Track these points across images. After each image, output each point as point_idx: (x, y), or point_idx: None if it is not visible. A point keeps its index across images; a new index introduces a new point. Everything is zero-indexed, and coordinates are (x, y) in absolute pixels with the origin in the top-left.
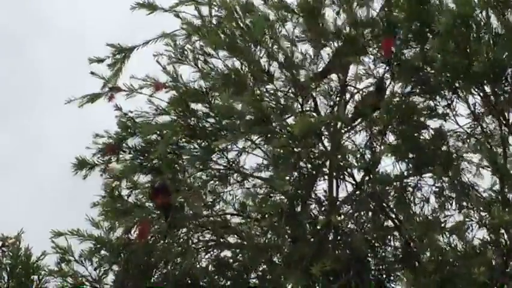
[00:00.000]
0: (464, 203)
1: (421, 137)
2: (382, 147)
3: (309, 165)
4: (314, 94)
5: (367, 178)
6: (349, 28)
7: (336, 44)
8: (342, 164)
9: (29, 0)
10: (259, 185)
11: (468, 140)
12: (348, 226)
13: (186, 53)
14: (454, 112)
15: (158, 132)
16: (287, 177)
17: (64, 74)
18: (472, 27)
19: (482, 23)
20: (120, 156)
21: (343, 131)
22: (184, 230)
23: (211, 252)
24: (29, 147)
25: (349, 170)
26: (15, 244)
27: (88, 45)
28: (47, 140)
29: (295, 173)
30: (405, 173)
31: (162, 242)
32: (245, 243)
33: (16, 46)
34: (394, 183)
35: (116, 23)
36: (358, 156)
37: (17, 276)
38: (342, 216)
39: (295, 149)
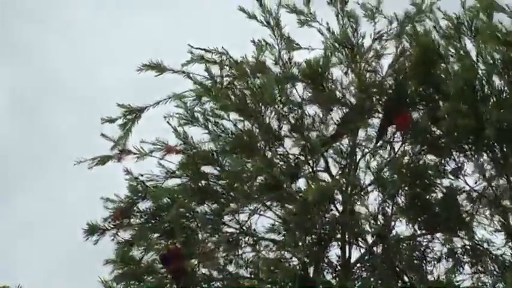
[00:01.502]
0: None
1: (432, 197)
2: (394, 210)
3: (322, 230)
4: (325, 155)
5: (379, 241)
6: (357, 91)
7: (343, 109)
8: (355, 230)
9: (44, 62)
10: (271, 247)
11: (479, 201)
12: None
13: (196, 114)
14: (464, 172)
15: (169, 196)
16: (300, 243)
17: (79, 136)
18: (477, 91)
19: (487, 87)
20: (131, 220)
21: (354, 193)
22: None
23: None
24: (48, 211)
25: (361, 234)
26: None
27: (103, 108)
28: (65, 203)
29: (308, 238)
30: (417, 233)
31: None
32: None
33: (29, 112)
34: (406, 243)
35: (131, 84)
36: (371, 221)
37: None
38: (356, 281)
39: (307, 215)
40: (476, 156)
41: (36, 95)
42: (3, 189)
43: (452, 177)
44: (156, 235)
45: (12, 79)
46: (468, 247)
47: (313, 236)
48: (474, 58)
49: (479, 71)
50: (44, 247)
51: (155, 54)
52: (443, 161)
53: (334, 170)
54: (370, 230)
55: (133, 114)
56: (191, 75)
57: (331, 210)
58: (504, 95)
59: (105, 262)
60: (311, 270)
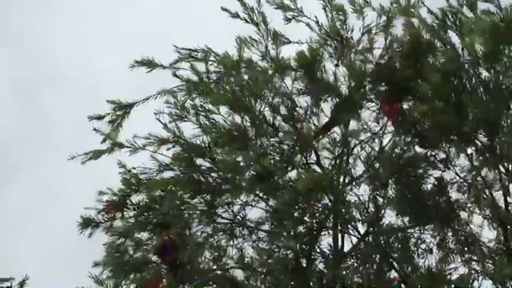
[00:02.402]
0: (468, 255)
1: (422, 189)
2: (385, 201)
3: (313, 220)
4: (316, 147)
5: (371, 230)
6: (347, 81)
7: (335, 100)
8: (346, 218)
9: (43, 53)
10: (263, 237)
11: (469, 190)
12: (353, 279)
13: (187, 109)
14: (453, 163)
15: (162, 188)
16: (291, 232)
17: (75, 126)
18: (462, 82)
19: (472, 78)
20: (125, 213)
21: (345, 183)
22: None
23: None
24: (42, 200)
25: (353, 223)
26: None
27: (102, 96)
28: (59, 193)
29: (300, 228)
30: (408, 225)
31: None
32: None
33: (30, 99)
34: (398, 235)
35: (129, 74)
36: (362, 209)
37: None
38: (348, 270)
39: (298, 205)
40: (463, 147)
41: (36, 85)
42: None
43: (442, 168)
44: (149, 227)
45: (12, 69)
46: (459, 236)
47: (305, 225)
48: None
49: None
50: (41, 236)
51: (149, 46)
52: (432, 153)
53: (326, 163)
54: (361, 218)
55: (122, 110)
56: (180, 72)
57: (323, 199)
58: (490, 85)
59: (94, 264)
60: (303, 259)
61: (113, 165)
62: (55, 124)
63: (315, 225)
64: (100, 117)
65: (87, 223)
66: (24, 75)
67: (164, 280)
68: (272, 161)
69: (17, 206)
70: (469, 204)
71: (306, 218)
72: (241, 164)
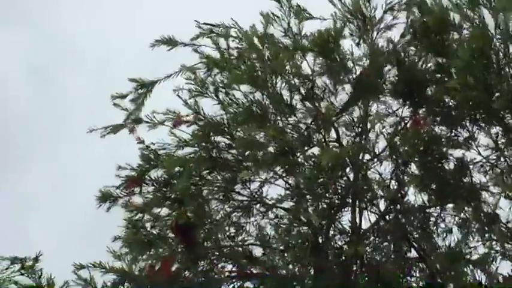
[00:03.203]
0: (488, 235)
1: (444, 168)
2: (406, 178)
3: (334, 196)
4: (336, 125)
5: (391, 207)
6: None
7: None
8: (368, 195)
9: (58, 31)
10: (282, 215)
11: (491, 171)
12: (373, 257)
13: (206, 85)
14: (477, 143)
15: (181, 165)
16: (311, 208)
17: (92, 105)
18: (491, 60)
19: (502, 55)
20: (143, 188)
21: (366, 160)
22: (207, 261)
23: (234, 283)
24: (59, 179)
25: (374, 200)
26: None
27: (116, 77)
28: (76, 172)
29: (320, 204)
30: (428, 204)
31: (185, 273)
32: (268, 273)
33: (45, 80)
34: (418, 214)
35: (143, 53)
36: (384, 186)
37: None
38: (368, 247)
39: (320, 180)
40: (488, 126)
41: (51, 65)
42: (16, 157)
43: (465, 148)
44: (167, 203)
45: (27, 49)
46: (479, 216)
47: (325, 201)
48: (492, 28)
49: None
50: (56, 216)
51: (167, 24)
52: (455, 131)
53: (345, 141)
54: (382, 195)
55: (144, 88)
56: (200, 48)
57: (344, 175)
58: None
59: (113, 239)
60: (323, 236)
61: (130, 147)
62: (71, 105)
63: (336, 201)
64: (123, 96)
65: (105, 197)
66: (39, 55)
67: (178, 258)
68: (291, 139)
69: (32, 187)
70: (490, 185)
71: (326, 194)
72: (260, 141)
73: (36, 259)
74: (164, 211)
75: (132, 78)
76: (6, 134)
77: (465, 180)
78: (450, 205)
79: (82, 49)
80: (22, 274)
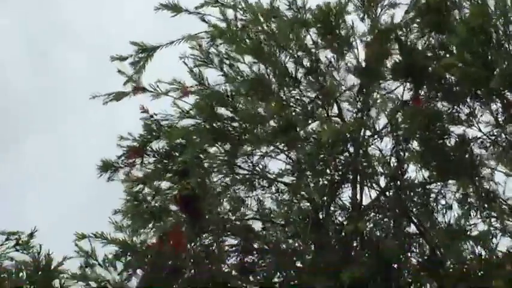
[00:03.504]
0: (488, 212)
1: (445, 144)
2: (407, 154)
3: (335, 172)
4: (338, 101)
5: (391, 184)
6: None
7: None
8: (367, 171)
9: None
10: (283, 190)
11: (492, 147)
12: (373, 233)
13: (211, 56)
14: (477, 119)
15: (184, 137)
16: (312, 184)
17: (90, 76)
18: (491, 37)
19: (501, 32)
20: (144, 159)
21: (367, 137)
22: (210, 235)
23: (236, 257)
24: (55, 155)
25: (374, 177)
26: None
27: (115, 49)
28: (75, 144)
29: (321, 180)
30: (429, 180)
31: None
32: (268, 247)
33: (42, 50)
34: (418, 190)
35: (143, 26)
36: (384, 163)
37: (38, 282)
38: (368, 223)
39: (320, 156)
40: (489, 102)
41: (49, 35)
42: (16, 132)
43: (466, 124)
44: (168, 175)
45: (25, 22)
46: (480, 193)
47: (326, 177)
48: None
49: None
50: (55, 190)
51: None
52: (456, 108)
53: (347, 117)
54: (383, 171)
55: (145, 52)
56: (206, 17)
57: (345, 151)
58: None
59: (113, 212)
60: (323, 211)
61: (130, 119)
62: (69, 77)
63: (336, 177)
64: (123, 58)
65: (106, 167)
66: (37, 27)
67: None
68: (294, 113)
69: (32, 161)
70: (491, 161)
71: (327, 170)
72: (262, 114)
73: (31, 235)
74: (165, 184)
75: (134, 42)
76: (4, 107)
77: (466, 157)
78: (451, 181)
79: (80, 22)
80: (17, 250)
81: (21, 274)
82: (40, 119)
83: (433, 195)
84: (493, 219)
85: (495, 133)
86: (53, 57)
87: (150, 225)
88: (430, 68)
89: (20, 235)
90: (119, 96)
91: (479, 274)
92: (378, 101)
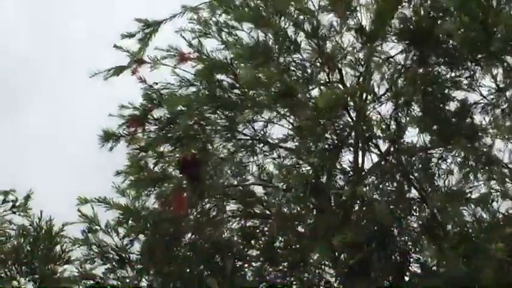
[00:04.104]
0: (488, 175)
1: (446, 109)
2: (407, 119)
3: (335, 137)
4: (340, 65)
5: (392, 149)
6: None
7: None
8: (367, 135)
9: None
10: (285, 155)
11: (493, 112)
12: (373, 197)
13: (209, 26)
14: (478, 83)
15: (184, 104)
16: (313, 149)
17: (89, 46)
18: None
19: None
20: (146, 127)
21: (368, 102)
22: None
23: (237, 222)
24: (57, 119)
25: (374, 140)
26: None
27: (114, 18)
28: (75, 112)
29: (321, 144)
30: (430, 145)
31: (190, 211)
32: (270, 212)
33: (44, 20)
34: (419, 154)
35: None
36: (384, 126)
37: (40, 247)
38: (367, 187)
39: (320, 121)
40: (489, 67)
41: (51, 6)
42: (15, 101)
43: (467, 89)
44: (170, 141)
45: None
46: (480, 156)
47: (326, 142)
48: None
49: None
50: (55, 159)
51: None
52: (457, 72)
53: (348, 82)
54: (382, 135)
55: (150, 28)
56: None
57: (344, 115)
58: None
59: (116, 173)
60: (323, 176)
61: (132, 84)
62: (70, 46)
63: (336, 142)
64: (131, 35)
65: (108, 136)
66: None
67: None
68: (294, 78)
69: (32, 128)
70: (491, 127)
71: (327, 135)
72: (263, 80)
73: (28, 197)
74: (167, 148)
75: (138, 18)
76: (5, 75)
77: (466, 121)
78: (451, 146)
79: None
80: (14, 213)
81: (21, 239)
82: (41, 84)
83: (434, 159)
84: (493, 182)
85: (495, 98)
86: (55, 24)
87: (152, 190)
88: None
89: (17, 197)
90: (119, 70)
91: (480, 236)
92: (373, 63)
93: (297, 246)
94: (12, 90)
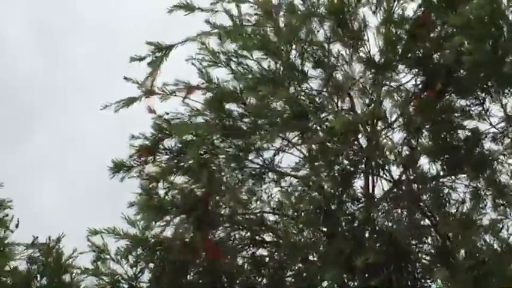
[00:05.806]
0: (499, 201)
1: (456, 137)
2: (419, 147)
3: (347, 162)
4: (351, 93)
5: (404, 176)
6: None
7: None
8: (379, 161)
9: None
10: (295, 184)
11: (502, 141)
12: (385, 223)
13: (218, 55)
14: (488, 113)
15: (194, 133)
16: (325, 174)
17: (98, 72)
18: (502, 28)
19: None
20: (156, 157)
21: (379, 128)
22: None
23: (247, 250)
24: (64, 146)
25: (386, 167)
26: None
27: (122, 43)
28: (82, 139)
29: (332, 170)
30: (441, 173)
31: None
32: (281, 241)
33: (52, 43)
34: (430, 183)
35: (148, 20)
36: (396, 153)
37: (49, 276)
38: (380, 213)
39: (333, 146)
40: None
41: (60, 29)
42: (25, 122)
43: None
44: (180, 171)
45: (36, 11)
46: (490, 183)
47: (338, 167)
48: None
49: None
50: (63, 183)
51: None
52: (467, 102)
53: (359, 110)
54: (394, 159)
55: (161, 51)
56: (215, 16)
57: (356, 140)
58: None
59: (129, 205)
60: (334, 202)
61: (137, 114)
62: (79, 69)
63: (349, 167)
64: (141, 59)
65: (119, 167)
66: (48, 18)
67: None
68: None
69: (40, 153)
70: (501, 156)
71: (339, 160)
72: (273, 106)
73: (58, 240)
74: (178, 179)
75: (149, 42)
76: (15, 96)
77: (477, 150)
78: (462, 175)
79: (88, 13)
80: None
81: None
82: (50, 107)
83: (445, 188)
84: (504, 208)
85: (505, 127)
86: (64, 45)
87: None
88: (439, 58)
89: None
90: (129, 102)
91: (491, 262)
92: (383, 91)
93: (306, 273)
94: (21, 112)
